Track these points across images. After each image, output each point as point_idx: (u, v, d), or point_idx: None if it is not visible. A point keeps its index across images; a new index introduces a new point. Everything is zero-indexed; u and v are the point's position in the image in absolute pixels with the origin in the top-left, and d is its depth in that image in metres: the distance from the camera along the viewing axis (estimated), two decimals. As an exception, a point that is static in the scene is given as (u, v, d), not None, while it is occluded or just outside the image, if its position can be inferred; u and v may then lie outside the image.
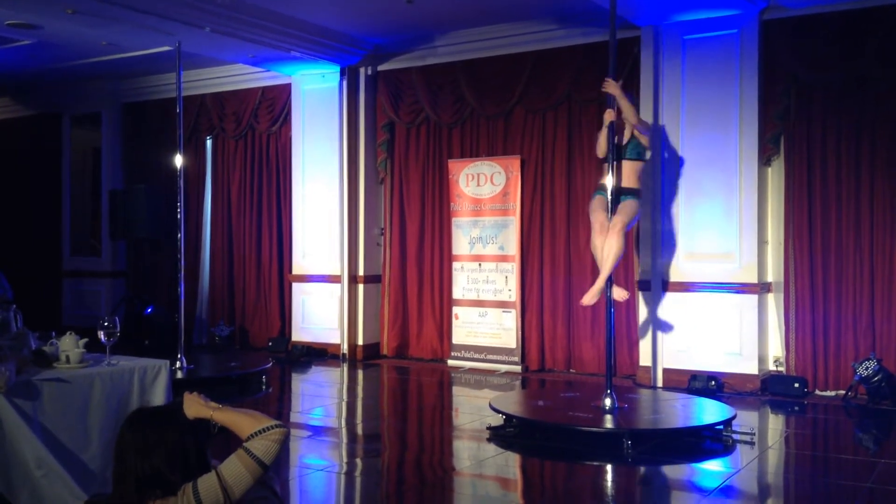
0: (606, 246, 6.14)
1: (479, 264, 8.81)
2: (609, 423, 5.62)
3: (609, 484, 5.01)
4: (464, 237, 8.92)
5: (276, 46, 8.51)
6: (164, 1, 7.16)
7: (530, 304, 8.60)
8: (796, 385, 7.04)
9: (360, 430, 6.44)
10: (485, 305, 8.76)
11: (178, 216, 8.02)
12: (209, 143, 10.84)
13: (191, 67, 9.93)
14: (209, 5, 7.25)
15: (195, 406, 2.45)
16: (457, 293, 8.96)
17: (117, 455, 2.30)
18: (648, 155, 6.33)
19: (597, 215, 6.28)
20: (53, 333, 3.98)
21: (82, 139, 11.89)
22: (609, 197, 6.09)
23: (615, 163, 6.06)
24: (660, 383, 7.56)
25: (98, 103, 11.48)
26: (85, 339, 3.87)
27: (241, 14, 7.75)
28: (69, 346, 3.82)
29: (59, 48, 9.37)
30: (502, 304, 8.66)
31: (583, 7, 7.53)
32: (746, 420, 6.16)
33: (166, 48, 8.67)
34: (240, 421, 2.38)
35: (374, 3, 7.86)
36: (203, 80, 10.51)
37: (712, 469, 5.24)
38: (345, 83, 9.45)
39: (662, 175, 7.59)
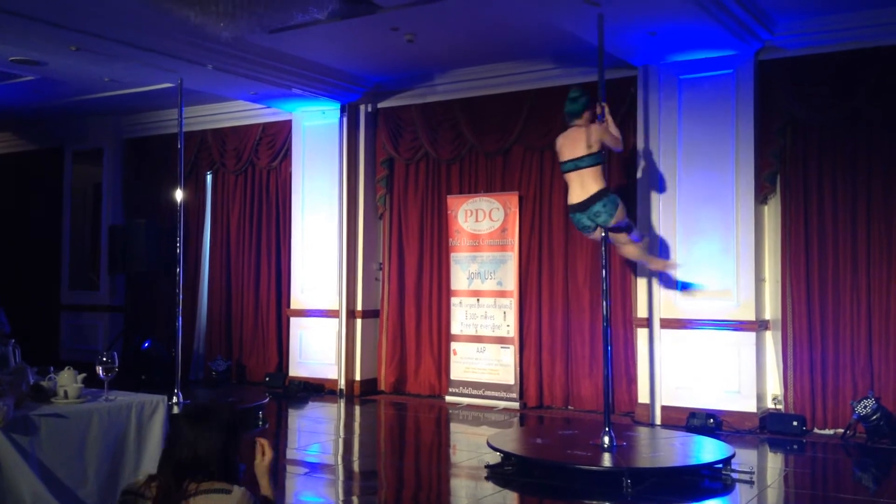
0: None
1: (478, 300, 8.82)
2: (608, 461, 5.60)
3: (607, 523, 4.98)
4: (462, 272, 8.94)
5: (278, 84, 8.61)
6: (167, 39, 7.25)
7: (528, 340, 8.60)
8: (795, 423, 7.02)
9: (356, 468, 6.40)
10: (483, 341, 8.76)
11: (178, 251, 8.04)
12: (209, 178, 10.91)
13: (192, 104, 10.02)
14: (212, 43, 7.34)
15: (264, 471, 2.71)
16: (455, 328, 8.95)
17: (169, 441, 2.54)
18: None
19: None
20: (52, 368, 3.98)
21: (83, 174, 11.94)
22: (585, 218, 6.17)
23: (574, 172, 6.17)
24: (658, 421, 7.53)
25: (100, 139, 11.56)
26: (83, 375, 3.87)
27: (242, 52, 7.85)
28: (67, 381, 3.82)
29: (62, 84, 9.47)
30: (500, 340, 8.66)
31: (580, 47, 7.62)
32: (745, 458, 6.14)
33: (168, 85, 8.77)
34: None
35: (374, 42, 7.96)
36: (204, 116, 10.60)
37: (711, 508, 5.20)
38: (345, 120, 9.54)
39: (660, 213, 7.63)
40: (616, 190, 6.77)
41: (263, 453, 2.74)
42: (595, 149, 6.06)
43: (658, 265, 7.24)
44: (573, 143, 6.17)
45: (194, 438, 2.48)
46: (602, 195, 6.06)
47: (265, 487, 2.69)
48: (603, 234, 6.17)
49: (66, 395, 3.79)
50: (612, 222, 6.11)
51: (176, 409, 7.26)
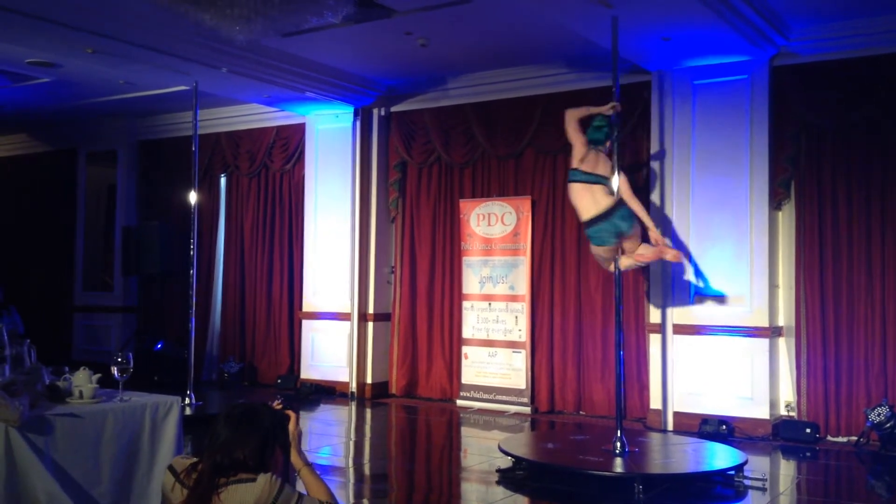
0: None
1: (490, 304, 8.82)
2: (619, 466, 5.59)
3: (619, 528, 4.97)
4: (474, 276, 8.94)
5: (291, 87, 8.63)
6: (182, 42, 7.29)
7: (540, 344, 8.59)
8: (808, 430, 6.98)
9: (367, 470, 6.41)
10: (494, 345, 8.75)
11: (191, 253, 8.07)
12: (223, 180, 10.95)
13: (207, 106, 10.06)
14: (227, 47, 7.37)
15: (295, 449, 2.74)
16: (466, 332, 8.95)
17: (209, 443, 2.56)
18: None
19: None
20: (67, 368, 4.00)
21: (97, 176, 12.02)
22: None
23: (587, 185, 6.28)
24: (670, 427, 7.51)
25: (114, 140, 11.63)
26: (98, 375, 3.89)
27: (257, 55, 7.88)
28: (82, 381, 3.83)
29: (77, 86, 9.53)
30: (512, 345, 8.65)
31: (593, 52, 7.61)
32: (758, 465, 6.11)
33: (183, 87, 8.81)
34: (316, 485, 2.72)
35: (388, 47, 7.98)
36: (218, 119, 10.64)
37: (723, 515, 5.18)
38: (358, 123, 9.57)
39: (673, 218, 7.61)
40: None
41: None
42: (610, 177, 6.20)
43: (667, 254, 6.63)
44: (598, 163, 6.28)
45: (233, 442, 2.52)
46: (620, 205, 6.15)
47: (294, 456, 2.72)
48: (616, 267, 6.23)
49: (81, 396, 3.80)
50: (629, 233, 6.18)
51: (188, 411, 7.32)
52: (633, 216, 6.18)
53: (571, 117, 6.36)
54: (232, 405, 2.67)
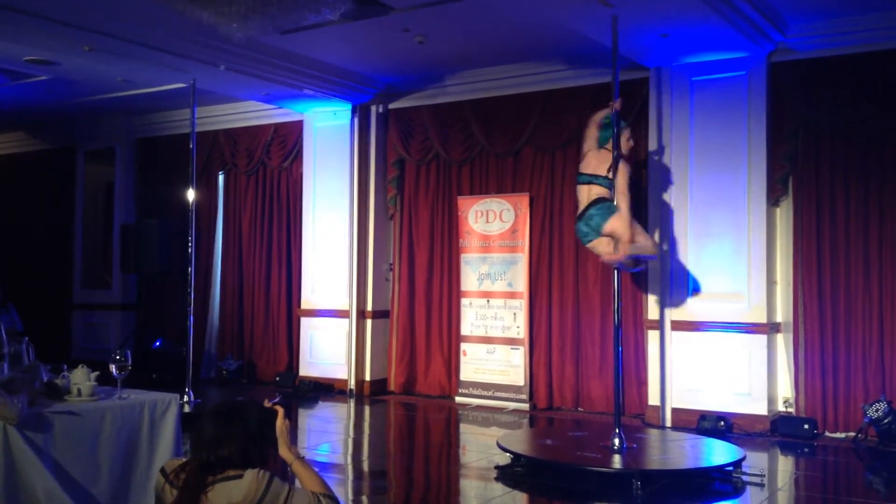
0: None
1: (488, 300, 8.83)
2: (618, 463, 5.59)
3: (617, 524, 4.98)
4: (472, 273, 8.94)
5: (289, 84, 8.63)
6: (180, 39, 7.28)
7: (538, 341, 8.60)
8: (806, 426, 6.99)
9: (366, 468, 6.41)
10: (493, 342, 8.76)
11: (190, 250, 8.08)
12: (221, 178, 10.94)
13: (205, 104, 10.06)
14: (225, 44, 7.37)
15: (284, 444, 2.69)
16: (465, 329, 8.96)
17: (195, 441, 2.56)
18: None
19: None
20: (65, 366, 3.99)
21: (96, 174, 12.01)
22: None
23: (587, 186, 6.35)
24: (669, 423, 7.52)
25: (112, 138, 11.62)
26: (97, 373, 3.88)
27: (255, 53, 7.88)
28: (81, 378, 3.83)
29: (75, 84, 9.52)
30: (510, 341, 8.66)
31: (592, 49, 7.62)
32: (756, 461, 6.12)
33: (181, 85, 8.80)
34: (309, 477, 2.68)
35: (386, 44, 7.98)
36: (216, 117, 10.64)
37: (722, 511, 5.19)
38: (356, 120, 9.56)
39: (671, 215, 7.62)
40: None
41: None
42: (611, 178, 6.19)
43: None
44: (599, 163, 6.30)
45: (218, 439, 2.50)
46: (599, 201, 6.20)
47: (283, 451, 2.70)
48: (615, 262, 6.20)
49: (79, 393, 3.79)
50: (604, 227, 6.12)
51: (187, 408, 7.32)
52: (610, 210, 6.13)
53: (595, 120, 6.39)
54: (218, 402, 2.66)
